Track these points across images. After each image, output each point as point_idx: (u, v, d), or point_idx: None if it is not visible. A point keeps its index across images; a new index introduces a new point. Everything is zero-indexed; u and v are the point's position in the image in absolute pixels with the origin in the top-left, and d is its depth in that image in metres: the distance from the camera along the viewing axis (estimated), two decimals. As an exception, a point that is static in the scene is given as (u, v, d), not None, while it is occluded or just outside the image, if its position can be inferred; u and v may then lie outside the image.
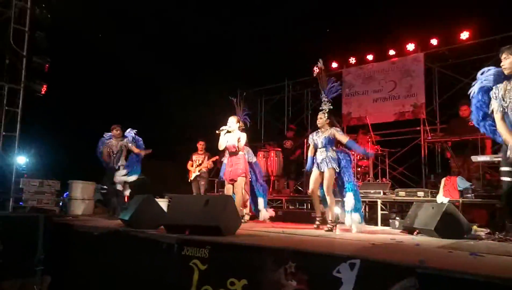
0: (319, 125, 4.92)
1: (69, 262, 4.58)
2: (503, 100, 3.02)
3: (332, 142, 4.83)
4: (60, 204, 7.71)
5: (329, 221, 4.73)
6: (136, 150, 6.38)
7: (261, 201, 6.07)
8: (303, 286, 2.56)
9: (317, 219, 4.88)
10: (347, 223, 4.61)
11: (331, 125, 4.90)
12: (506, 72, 3.05)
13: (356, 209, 4.61)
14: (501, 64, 3.07)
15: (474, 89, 3.34)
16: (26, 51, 6.81)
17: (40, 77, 7.06)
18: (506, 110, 3.00)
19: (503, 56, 3.04)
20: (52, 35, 7.23)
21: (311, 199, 5.25)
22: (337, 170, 4.73)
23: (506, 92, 3.02)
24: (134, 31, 9.77)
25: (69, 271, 4.54)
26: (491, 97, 3.15)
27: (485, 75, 3.29)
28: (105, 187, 6.32)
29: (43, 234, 4.86)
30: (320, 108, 5.04)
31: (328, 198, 4.73)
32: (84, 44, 9.53)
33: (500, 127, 3.08)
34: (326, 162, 4.73)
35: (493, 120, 3.25)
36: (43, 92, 7.15)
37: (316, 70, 5.29)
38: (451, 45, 8.39)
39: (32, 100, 7.13)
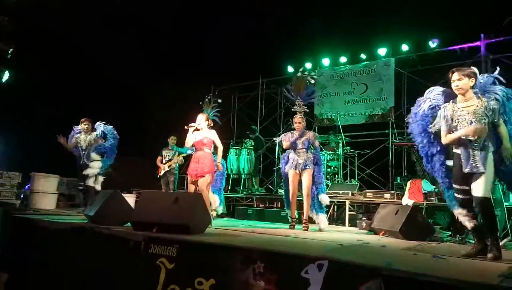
0: (298, 128, 5.05)
1: (28, 258, 4.38)
2: (452, 120, 3.16)
3: (310, 145, 5.06)
4: (21, 197, 7.37)
5: (305, 221, 4.92)
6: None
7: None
8: (271, 286, 2.56)
9: (293, 220, 5.04)
10: (321, 223, 4.96)
11: (306, 128, 5.14)
12: (459, 92, 3.16)
13: (324, 210, 5.06)
14: (454, 85, 3.16)
15: (424, 107, 3.50)
16: (-12, 36, 6.46)
17: (2, 63, 6.71)
18: (455, 130, 3.15)
19: (456, 77, 3.14)
20: (17, 20, 6.88)
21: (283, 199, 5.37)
22: (313, 171, 4.98)
23: (454, 112, 3.17)
24: (107, 24, 9.44)
25: (28, 268, 4.34)
26: (439, 116, 3.30)
27: (434, 94, 3.49)
28: (81, 183, 6.07)
29: (0, 229, 4.62)
30: (295, 110, 5.15)
31: (306, 198, 4.90)
32: (54, 31, 9.12)
33: (450, 138, 3.23)
34: (307, 163, 4.91)
35: (430, 136, 3.46)
36: (4, 79, 6.80)
37: (300, 75, 5.34)
38: (421, 51, 8.65)
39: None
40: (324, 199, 5.02)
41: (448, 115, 3.19)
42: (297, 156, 4.97)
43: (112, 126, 6.29)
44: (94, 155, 6.07)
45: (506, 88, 3.19)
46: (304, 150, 4.97)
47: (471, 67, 3.22)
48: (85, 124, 6.14)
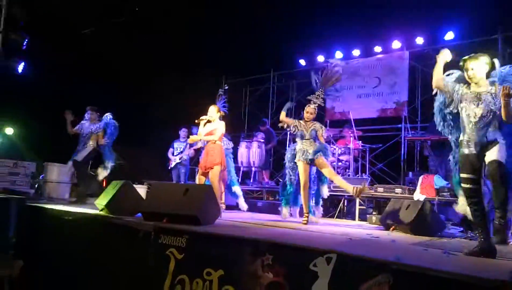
0: (308, 119, 4.95)
1: (42, 247, 4.47)
2: (461, 101, 3.14)
3: (316, 134, 4.93)
4: (36, 186, 7.51)
5: (305, 214, 4.81)
6: (101, 141, 6.15)
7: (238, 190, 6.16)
8: (279, 278, 2.56)
9: (306, 214, 4.77)
10: (318, 214, 5.01)
11: (315, 120, 5.04)
12: (472, 81, 3.13)
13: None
14: (467, 74, 3.14)
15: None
16: (3, 27, 6.53)
17: (17, 55, 6.80)
18: (459, 111, 3.14)
19: (468, 65, 3.11)
20: (32, 11, 6.95)
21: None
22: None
23: (464, 95, 3.13)
24: (117, 14, 9.48)
25: (42, 256, 4.44)
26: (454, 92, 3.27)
27: (450, 76, 3.46)
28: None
29: (15, 218, 4.72)
30: (310, 99, 5.03)
31: (305, 190, 4.80)
32: (67, 23, 9.22)
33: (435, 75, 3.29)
34: (316, 152, 4.77)
35: (452, 120, 3.47)
36: (20, 70, 6.90)
37: (335, 72, 5.16)
38: (436, 45, 8.47)
39: (8, 78, 6.88)
40: (325, 191, 5.00)
41: (459, 90, 3.15)
42: (305, 146, 4.84)
43: (115, 121, 6.31)
44: (91, 144, 6.09)
45: None
46: (312, 140, 4.86)
47: (485, 54, 3.15)
48: (88, 113, 6.23)
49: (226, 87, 5.91)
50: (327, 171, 4.77)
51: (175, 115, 9.20)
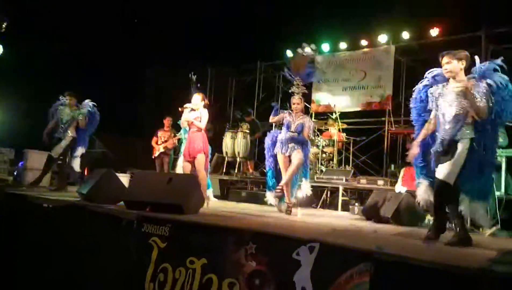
0: (296, 110, 4.91)
1: (20, 234, 4.38)
2: (437, 99, 3.19)
3: (302, 129, 4.88)
4: (15, 173, 7.34)
5: (288, 203, 4.81)
6: (82, 125, 5.94)
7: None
8: (262, 267, 2.57)
9: (289, 204, 4.79)
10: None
11: (303, 111, 4.99)
12: (448, 75, 3.16)
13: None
14: (444, 68, 3.17)
15: (419, 86, 3.51)
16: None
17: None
18: (436, 109, 3.18)
19: (445, 60, 3.14)
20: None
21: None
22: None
23: (440, 96, 3.16)
24: (101, 3, 9.25)
25: (20, 244, 4.35)
26: (429, 96, 3.32)
27: (431, 75, 3.46)
28: (61, 157, 5.99)
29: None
30: (292, 91, 5.00)
31: (290, 175, 4.76)
32: (50, 7, 8.96)
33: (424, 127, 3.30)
34: (295, 145, 4.76)
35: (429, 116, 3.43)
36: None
37: (301, 53, 5.16)
38: (421, 40, 8.57)
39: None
40: (305, 187, 4.95)
41: (436, 93, 3.19)
42: (286, 138, 4.79)
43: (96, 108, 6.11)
44: (71, 131, 5.90)
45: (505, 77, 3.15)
46: (296, 134, 4.81)
47: (462, 51, 3.18)
48: (67, 98, 6.00)
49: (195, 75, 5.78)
50: (293, 164, 4.69)
51: (160, 104, 9.10)
